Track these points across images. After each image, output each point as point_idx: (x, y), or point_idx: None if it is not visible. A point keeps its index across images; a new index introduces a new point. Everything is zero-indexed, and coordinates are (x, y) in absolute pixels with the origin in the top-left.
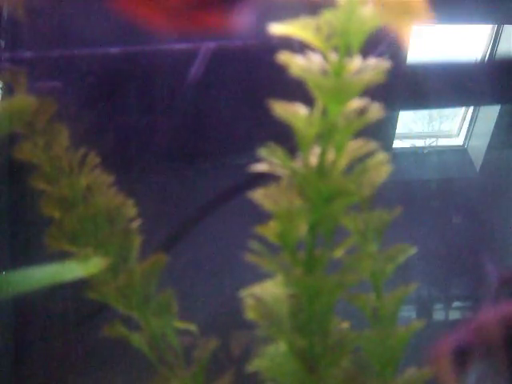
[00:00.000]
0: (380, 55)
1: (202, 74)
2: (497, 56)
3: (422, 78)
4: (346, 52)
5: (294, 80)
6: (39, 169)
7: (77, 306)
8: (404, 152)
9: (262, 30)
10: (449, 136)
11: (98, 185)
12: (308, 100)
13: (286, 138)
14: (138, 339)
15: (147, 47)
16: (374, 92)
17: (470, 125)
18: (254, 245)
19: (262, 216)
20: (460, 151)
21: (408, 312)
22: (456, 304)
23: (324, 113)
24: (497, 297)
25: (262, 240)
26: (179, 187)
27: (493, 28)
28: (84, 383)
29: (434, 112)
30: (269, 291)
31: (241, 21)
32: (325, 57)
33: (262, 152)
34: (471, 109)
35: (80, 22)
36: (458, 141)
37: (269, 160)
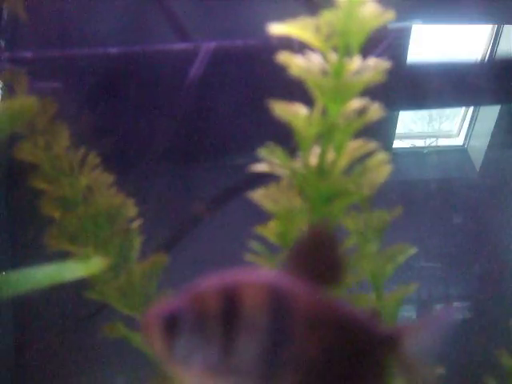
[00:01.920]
0: (380, 55)
1: (202, 74)
2: (497, 56)
3: (422, 78)
4: (346, 52)
5: (294, 80)
6: (39, 169)
7: (77, 307)
8: (404, 152)
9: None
10: (449, 136)
11: (98, 185)
12: (308, 100)
13: (286, 138)
14: (138, 339)
15: (147, 48)
16: (375, 92)
17: (470, 125)
18: (254, 245)
19: (261, 216)
20: (460, 151)
21: (408, 312)
22: (456, 304)
23: (324, 113)
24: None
25: (262, 240)
26: (179, 187)
27: (493, 28)
28: (84, 383)
29: (434, 112)
30: None
31: None
32: (325, 57)
33: (262, 152)
34: (471, 109)
35: (81, 22)
36: (458, 141)
37: (269, 160)
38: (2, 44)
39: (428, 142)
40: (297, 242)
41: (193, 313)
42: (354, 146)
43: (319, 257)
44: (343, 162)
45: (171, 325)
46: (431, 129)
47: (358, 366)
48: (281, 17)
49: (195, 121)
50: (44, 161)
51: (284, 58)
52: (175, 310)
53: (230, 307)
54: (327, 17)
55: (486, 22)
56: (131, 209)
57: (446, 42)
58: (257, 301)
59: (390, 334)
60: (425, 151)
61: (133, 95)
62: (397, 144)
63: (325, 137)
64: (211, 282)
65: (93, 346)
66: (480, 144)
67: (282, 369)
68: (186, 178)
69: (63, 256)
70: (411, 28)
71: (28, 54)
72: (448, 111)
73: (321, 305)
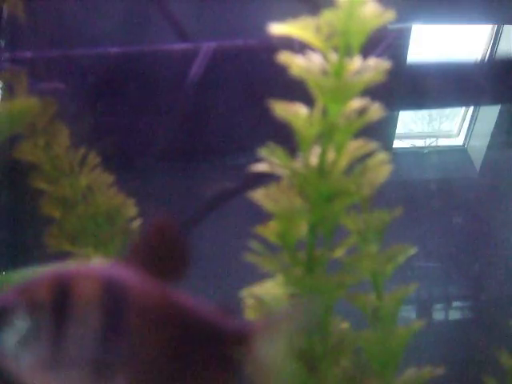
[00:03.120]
0: (380, 55)
1: (202, 74)
2: (497, 56)
3: (422, 78)
4: (347, 52)
5: (294, 80)
6: (39, 169)
7: None
8: (404, 152)
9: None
10: (449, 136)
11: (98, 185)
12: (308, 100)
13: (286, 137)
14: None
15: (147, 48)
16: (375, 92)
17: (469, 125)
18: (254, 245)
19: (262, 216)
20: (460, 151)
21: (408, 312)
22: (456, 304)
23: (324, 113)
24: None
25: (262, 240)
26: (179, 187)
27: (493, 28)
28: None
29: (434, 112)
30: (269, 291)
31: None
32: (325, 57)
33: (262, 152)
34: (471, 109)
35: (80, 22)
36: (458, 141)
37: (269, 160)
38: (2, 44)
39: (428, 142)
40: (139, 235)
41: (22, 305)
42: (354, 146)
43: (162, 250)
44: (343, 162)
45: (2, 314)
46: (431, 129)
47: (204, 362)
48: (281, 17)
49: (195, 120)
50: (44, 161)
51: (284, 57)
52: (3, 301)
53: (61, 300)
54: (328, 17)
55: (486, 21)
56: (131, 209)
57: (446, 42)
58: (90, 294)
59: (239, 329)
60: (425, 151)
61: (133, 95)
62: (397, 144)
63: (325, 137)
64: (44, 275)
65: None
66: (480, 144)
67: (115, 364)
68: (186, 178)
69: (63, 256)
70: (411, 28)
71: (28, 54)
72: (448, 111)
73: (161, 299)
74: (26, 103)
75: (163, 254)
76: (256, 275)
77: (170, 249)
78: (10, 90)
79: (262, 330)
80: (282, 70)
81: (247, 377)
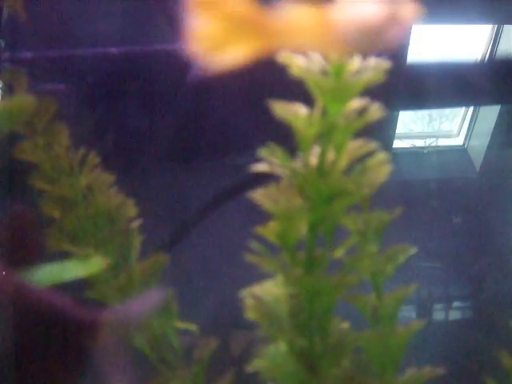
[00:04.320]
0: (380, 55)
1: (202, 74)
2: (497, 56)
3: (422, 78)
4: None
5: (294, 80)
6: (39, 169)
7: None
8: (404, 152)
9: None
10: (449, 136)
11: (98, 185)
12: (308, 100)
13: (285, 137)
14: (138, 339)
15: (147, 47)
16: (374, 92)
17: (470, 125)
18: (254, 245)
19: (262, 216)
20: (460, 151)
21: (408, 312)
22: (456, 304)
23: (324, 113)
24: None
25: (262, 240)
26: (179, 187)
27: (493, 28)
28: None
29: (434, 112)
30: (269, 291)
31: None
32: (325, 57)
33: (262, 152)
34: (471, 109)
35: (80, 22)
36: (458, 141)
37: (269, 160)
38: (2, 44)
39: (428, 142)
40: None
41: None
42: (354, 146)
43: (14, 238)
44: (343, 162)
45: None
46: (431, 129)
47: (53, 350)
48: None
49: (195, 120)
50: (44, 161)
51: (284, 57)
52: None
53: None
54: None
55: (486, 22)
56: (131, 209)
57: (446, 42)
58: None
59: (88, 317)
60: (425, 151)
61: (133, 95)
62: (397, 144)
63: (325, 137)
64: None
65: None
66: (480, 144)
67: None
68: (186, 178)
69: (63, 256)
70: (411, 28)
71: (28, 54)
72: (448, 111)
73: (9, 285)
74: (24, 100)
75: (14, 243)
76: (256, 275)
77: (20, 238)
78: (9, 90)
79: (111, 318)
80: (282, 70)
81: (98, 365)
